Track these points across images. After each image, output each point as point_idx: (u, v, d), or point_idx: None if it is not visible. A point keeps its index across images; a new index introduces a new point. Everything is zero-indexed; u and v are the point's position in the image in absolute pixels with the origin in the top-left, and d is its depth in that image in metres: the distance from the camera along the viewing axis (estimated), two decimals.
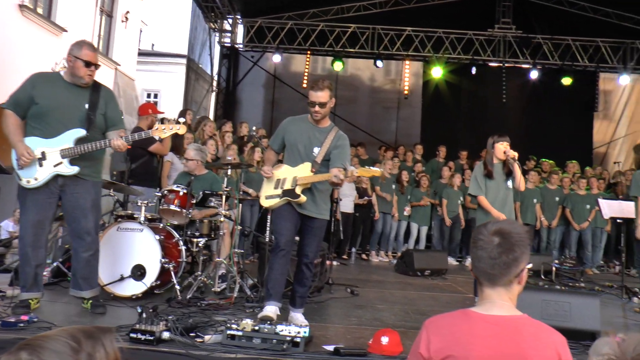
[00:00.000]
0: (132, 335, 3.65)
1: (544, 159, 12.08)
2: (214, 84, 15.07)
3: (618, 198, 10.14)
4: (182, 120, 4.94)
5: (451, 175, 10.91)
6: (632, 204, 7.15)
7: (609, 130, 14.96)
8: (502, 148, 5.74)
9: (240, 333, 3.71)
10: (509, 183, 5.82)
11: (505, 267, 1.93)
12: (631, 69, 13.90)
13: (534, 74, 13.64)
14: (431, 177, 11.24)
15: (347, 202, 9.91)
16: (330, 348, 3.78)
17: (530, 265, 1.98)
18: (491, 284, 1.96)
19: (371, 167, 4.68)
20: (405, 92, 14.42)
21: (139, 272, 5.21)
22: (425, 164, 11.93)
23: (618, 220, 7.95)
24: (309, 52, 14.45)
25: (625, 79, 13.91)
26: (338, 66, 13.75)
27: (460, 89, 14.04)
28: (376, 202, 10.51)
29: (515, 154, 5.72)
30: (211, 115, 14.34)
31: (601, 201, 8.02)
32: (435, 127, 13.81)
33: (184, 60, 15.57)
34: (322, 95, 4.60)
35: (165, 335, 3.70)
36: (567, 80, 13.70)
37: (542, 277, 8.99)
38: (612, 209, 7.71)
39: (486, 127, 13.11)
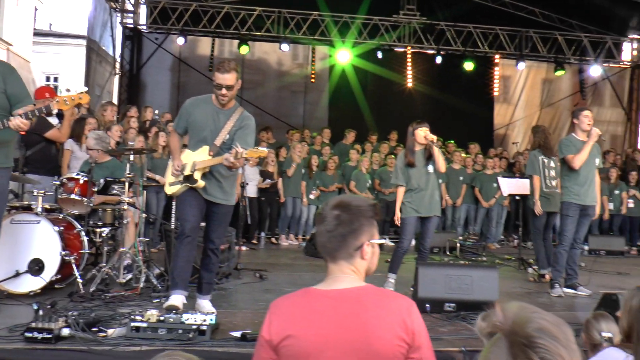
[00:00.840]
0: (27, 334, 3.45)
1: (448, 141, 12.53)
2: (117, 66, 14.47)
3: (515, 176, 10.70)
4: (85, 88, 4.63)
5: (359, 158, 11.08)
6: (527, 181, 7.57)
7: (507, 113, 15.69)
8: (422, 133, 5.92)
9: (144, 324, 3.60)
10: (430, 167, 6.02)
11: (342, 238, 1.92)
12: (526, 55, 14.56)
13: (438, 59, 14.02)
14: (340, 160, 11.38)
15: (251, 186, 9.77)
16: (238, 334, 3.75)
17: (382, 241, 1.98)
18: (332, 258, 1.95)
19: (259, 148, 4.58)
20: (312, 76, 14.43)
21: (36, 267, 4.94)
22: (333, 148, 12.04)
23: (516, 197, 8.39)
24: (214, 36, 14.15)
25: (522, 65, 14.59)
26: (244, 50, 13.54)
27: (367, 73, 14.21)
28: (282, 187, 10.50)
29: (435, 138, 5.95)
30: (115, 100, 13.77)
31: (500, 179, 8.46)
32: (342, 110, 13.94)
33: (84, 42, 14.78)
34: (229, 78, 4.45)
35: (65, 332, 3.53)
36: (469, 66, 14.19)
37: (447, 253, 9.38)
38: (509, 186, 8.13)
39: (392, 110, 13.42)
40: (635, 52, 15.74)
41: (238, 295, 5.60)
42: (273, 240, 10.62)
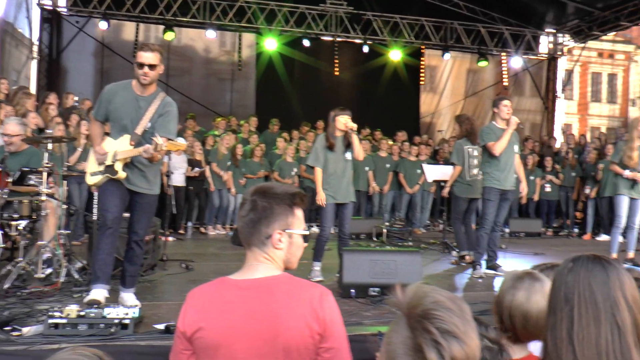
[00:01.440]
0: None
1: (375, 130, 12.74)
2: (35, 50, 13.81)
3: (439, 163, 11.01)
4: None
5: (286, 147, 11.08)
6: (450, 167, 7.81)
7: (433, 101, 16.09)
8: (343, 121, 5.96)
9: (64, 321, 3.45)
10: (348, 155, 6.09)
11: (253, 225, 1.90)
12: (451, 46, 14.92)
13: (365, 49, 14.11)
14: (265, 149, 11.35)
15: (178, 176, 9.63)
16: (161, 326, 3.69)
17: (302, 232, 1.96)
18: (247, 245, 1.94)
19: (178, 140, 4.45)
20: (239, 63, 14.28)
21: None
22: (260, 136, 11.99)
23: (442, 184, 8.64)
24: (138, 21, 13.74)
25: (447, 56, 14.96)
26: (170, 36, 13.17)
27: (294, 61, 14.17)
28: (211, 175, 10.37)
29: (355, 126, 5.99)
30: (33, 86, 13.15)
31: (425, 166, 8.68)
32: (269, 99, 13.84)
33: None
34: (151, 57, 4.28)
35: None
36: (395, 55, 14.39)
37: (374, 239, 9.55)
38: (433, 172, 8.36)
39: (320, 99, 13.45)
40: (551, 45, 16.44)
41: (163, 286, 5.52)
42: (201, 230, 10.50)
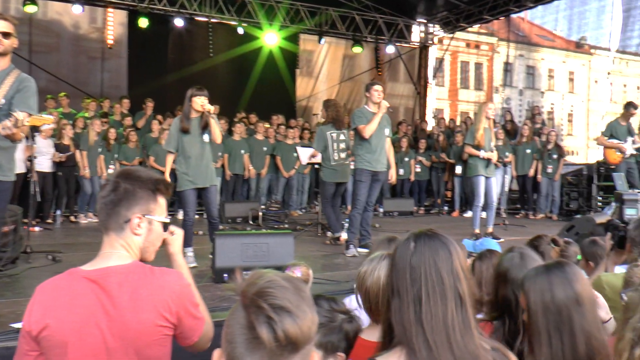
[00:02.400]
0: None
1: (250, 113, 12.69)
2: None
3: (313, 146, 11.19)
4: None
5: (161, 130, 10.74)
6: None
7: (309, 85, 16.27)
8: (200, 102, 5.79)
9: None
10: (205, 137, 5.93)
11: (112, 206, 1.85)
12: (326, 32, 15.12)
13: (240, 31, 13.91)
14: (141, 132, 10.97)
15: (44, 160, 9.05)
16: (19, 325, 3.47)
17: (163, 220, 1.92)
18: (105, 230, 1.88)
19: (43, 115, 4.08)
20: (110, 41, 13.60)
21: None
22: (134, 118, 11.54)
23: (316, 166, 8.78)
24: None
25: (323, 41, 15.16)
26: (31, 9, 12.02)
27: (168, 41, 13.74)
28: (82, 160, 9.84)
29: (212, 108, 5.84)
30: None
31: (299, 149, 8.79)
32: (143, 79, 13.23)
33: None
34: (4, 25, 3.88)
35: None
36: (272, 39, 14.35)
37: (251, 222, 9.56)
38: (307, 155, 8.48)
39: (195, 82, 13.06)
40: (422, 34, 17.17)
41: (25, 281, 5.15)
42: (72, 218, 9.94)
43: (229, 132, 11.23)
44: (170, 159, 5.90)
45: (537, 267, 1.98)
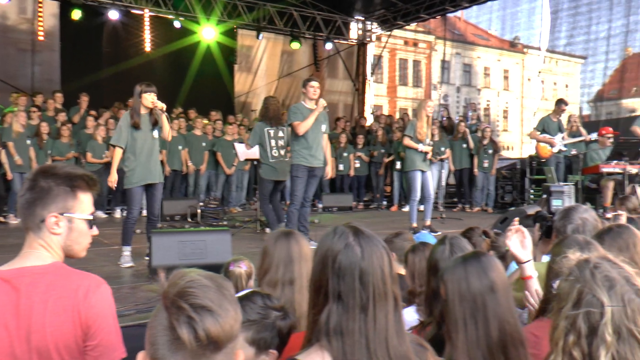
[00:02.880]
0: None
1: (189, 108, 12.50)
2: None
3: None
4: None
5: (96, 126, 10.45)
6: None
7: (247, 81, 16.14)
8: (150, 98, 5.74)
9: None
10: (155, 133, 5.88)
11: (28, 205, 1.78)
12: (264, 28, 15.07)
13: (177, 24, 13.69)
14: (75, 128, 10.62)
15: None
16: None
17: (84, 217, 1.84)
18: (25, 230, 1.81)
19: None
20: (41, 34, 13.08)
21: None
22: (68, 113, 11.16)
23: (254, 162, 8.73)
24: None
25: (261, 36, 15.11)
26: None
27: (102, 34, 13.33)
28: (7, 161, 9.32)
29: (164, 106, 5.81)
30: None
31: (236, 145, 8.73)
32: (77, 73, 12.73)
33: None
34: None
35: None
36: (209, 33, 14.15)
37: (189, 220, 9.42)
38: (245, 151, 8.43)
39: (131, 76, 12.78)
40: (360, 32, 17.34)
41: None
42: (1, 219, 9.51)
43: None
44: (118, 153, 5.75)
45: (455, 259, 2.05)
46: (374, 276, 1.46)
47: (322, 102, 6.77)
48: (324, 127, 7.00)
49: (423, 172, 7.94)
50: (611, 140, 9.51)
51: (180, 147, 10.92)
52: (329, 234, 1.55)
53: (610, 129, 9.87)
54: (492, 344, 1.82)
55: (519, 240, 2.63)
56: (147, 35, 13.71)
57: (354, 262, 1.46)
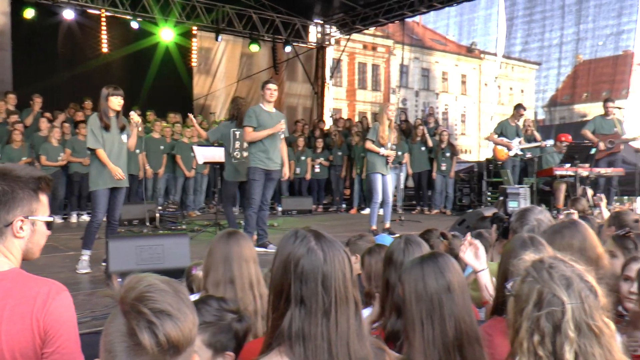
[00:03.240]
0: None
1: (147, 111, 12.29)
2: None
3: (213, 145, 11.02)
4: None
5: (50, 128, 10.18)
6: (221, 149, 7.88)
7: (207, 83, 15.98)
8: (117, 102, 5.74)
9: None
10: (124, 137, 5.89)
11: None
12: (223, 30, 14.94)
13: (134, 25, 13.42)
14: (28, 131, 10.32)
15: None
16: None
17: (47, 219, 1.83)
18: None
19: None
20: None
21: None
22: (21, 115, 10.82)
23: (216, 166, 8.65)
24: None
25: (220, 38, 14.96)
26: None
27: (57, 35, 12.98)
28: None
29: (139, 120, 6.01)
30: None
31: (195, 148, 8.63)
32: (30, 74, 12.33)
33: None
34: None
35: None
36: (168, 35, 13.97)
37: (148, 224, 9.26)
38: (204, 155, 8.35)
39: (87, 77, 12.54)
40: (319, 35, 17.39)
41: None
42: None
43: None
44: (102, 155, 5.68)
45: (413, 260, 2.08)
46: (336, 280, 1.47)
47: (282, 124, 6.81)
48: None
49: (384, 175, 8.01)
50: (566, 146, 9.79)
51: (137, 151, 10.71)
52: (289, 238, 1.54)
53: (569, 137, 10.13)
54: (448, 342, 1.86)
55: (472, 253, 2.76)
56: (104, 36, 13.41)
57: (317, 267, 1.46)
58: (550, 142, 10.15)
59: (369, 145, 8.01)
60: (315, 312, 1.44)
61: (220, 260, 2.57)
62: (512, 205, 4.90)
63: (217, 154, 8.08)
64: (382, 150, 7.90)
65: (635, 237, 2.96)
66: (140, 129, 5.97)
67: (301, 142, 12.70)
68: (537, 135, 10.56)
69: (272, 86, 6.87)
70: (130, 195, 10.84)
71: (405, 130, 13.01)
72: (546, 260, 1.54)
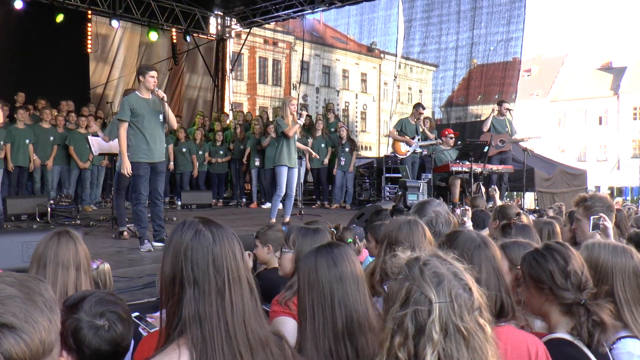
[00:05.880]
0: None
1: (38, 98, 11.57)
2: None
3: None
4: None
5: None
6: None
7: (104, 72, 15.26)
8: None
9: None
10: None
11: None
12: (120, 15, 14.32)
13: (18, 4, 12.39)
14: None
15: None
16: None
17: None
18: None
19: None
20: None
21: None
22: None
23: (114, 158, 8.30)
24: None
25: (116, 23, 14.29)
26: None
27: None
28: None
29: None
30: None
31: (90, 139, 8.26)
32: None
33: None
34: None
35: None
36: (59, 18, 13.19)
37: (38, 219, 8.75)
38: (101, 145, 8.00)
39: None
40: (219, 27, 17.14)
41: None
42: None
43: (11, 120, 10.14)
44: None
45: (309, 250, 2.12)
46: (227, 260, 1.50)
47: (161, 93, 6.43)
48: (161, 117, 6.61)
49: (290, 168, 7.99)
50: (453, 139, 10.31)
51: (27, 141, 10.07)
52: (177, 227, 1.57)
53: (451, 130, 10.73)
54: (337, 331, 1.87)
55: None
56: None
57: (207, 247, 1.50)
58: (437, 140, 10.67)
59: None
60: (209, 292, 1.46)
61: (35, 261, 2.43)
62: (411, 198, 5.04)
63: (113, 145, 7.74)
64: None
65: (514, 225, 3.21)
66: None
67: (199, 135, 12.56)
68: (430, 134, 10.96)
69: (154, 73, 6.48)
70: (19, 189, 10.22)
71: (307, 126, 13.09)
72: (422, 257, 1.46)
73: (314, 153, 8.87)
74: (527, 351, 1.86)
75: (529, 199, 12.86)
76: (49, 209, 8.83)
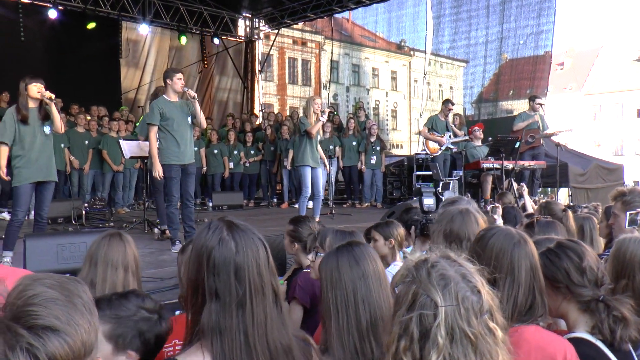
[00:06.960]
0: None
1: (71, 104, 11.80)
2: None
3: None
4: None
5: None
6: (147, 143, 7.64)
7: (136, 76, 15.50)
8: (37, 89, 5.49)
9: None
10: (47, 129, 5.62)
11: None
12: (150, 20, 14.53)
13: (52, 14, 12.73)
14: None
15: None
16: None
17: None
18: None
19: None
20: None
21: None
22: None
23: (145, 161, 8.40)
24: None
25: (144, 29, 14.51)
26: None
27: None
28: None
29: (52, 95, 5.55)
30: None
31: (122, 142, 8.37)
32: None
33: None
34: None
35: None
36: (91, 25, 13.45)
37: (74, 222, 8.90)
38: (131, 149, 8.10)
39: (6, 67, 11.89)
40: (248, 29, 17.24)
41: None
42: None
43: None
44: (4, 151, 5.37)
45: (330, 251, 2.12)
46: (250, 271, 1.47)
47: (192, 93, 6.48)
48: (190, 119, 6.61)
49: (314, 168, 7.96)
50: (481, 133, 10.20)
51: (62, 145, 10.28)
52: (203, 230, 1.55)
53: (481, 125, 10.70)
54: (362, 329, 1.87)
55: None
56: (22, 24, 12.65)
57: (228, 258, 1.47)
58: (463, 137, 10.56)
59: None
60: (230, 304, 1.44)
61: (87, 260, 2.53)
62: (427, 203, 4.88)
63: (144, 148, 7.84)
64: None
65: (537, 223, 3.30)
66: (54, 101, 5.59)
67: (232, 136, 12.62)
68: (458, 132, 10.83)
69: (181, 75, 6.53)
70: (56, 192, 10.40)
71: (337, 125, 13.09)
72: (431, 259, 1.43)
73: (327, 166, 8.76)
74: (553, 354, 1.80)
75: (563, 195, 12.62)
76: (84, 212, 8.99)
